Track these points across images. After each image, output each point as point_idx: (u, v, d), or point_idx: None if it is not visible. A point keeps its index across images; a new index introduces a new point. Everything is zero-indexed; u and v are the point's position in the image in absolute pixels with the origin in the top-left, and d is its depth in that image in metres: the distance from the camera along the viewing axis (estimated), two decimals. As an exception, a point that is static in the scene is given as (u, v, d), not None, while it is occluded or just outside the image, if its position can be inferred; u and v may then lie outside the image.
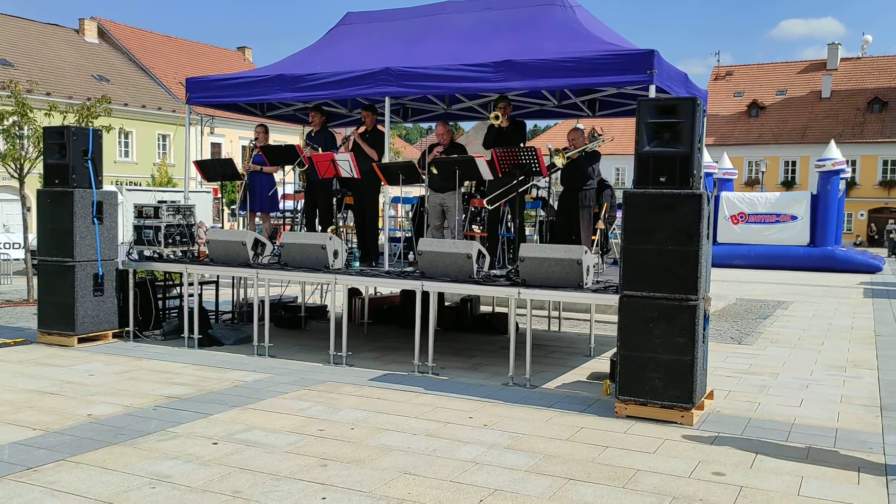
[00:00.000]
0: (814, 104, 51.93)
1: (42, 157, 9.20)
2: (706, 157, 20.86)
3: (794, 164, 50.61)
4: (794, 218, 22.90)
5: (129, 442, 5.23)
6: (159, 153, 38.22)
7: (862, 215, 49.24)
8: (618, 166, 51.73)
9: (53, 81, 33.46)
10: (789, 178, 50.40)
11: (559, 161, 8.29)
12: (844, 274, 21.35)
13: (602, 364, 8.05)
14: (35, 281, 10.46)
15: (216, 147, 41.16)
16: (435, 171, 8.33)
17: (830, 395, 6.97)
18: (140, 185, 29.85)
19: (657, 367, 5.87)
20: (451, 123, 10.44)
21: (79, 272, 8.51)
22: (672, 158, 5.88)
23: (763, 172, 45.47)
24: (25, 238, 13.34)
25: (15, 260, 18.43)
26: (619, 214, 10.37)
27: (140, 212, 9.13)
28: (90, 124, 11.89)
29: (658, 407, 5.90)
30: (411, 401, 6.46)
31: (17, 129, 12.15)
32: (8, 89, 12.41)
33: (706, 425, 5.85)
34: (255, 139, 10.17)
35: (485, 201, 8.24)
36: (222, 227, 12.43)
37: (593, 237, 8.68)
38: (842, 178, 22.87)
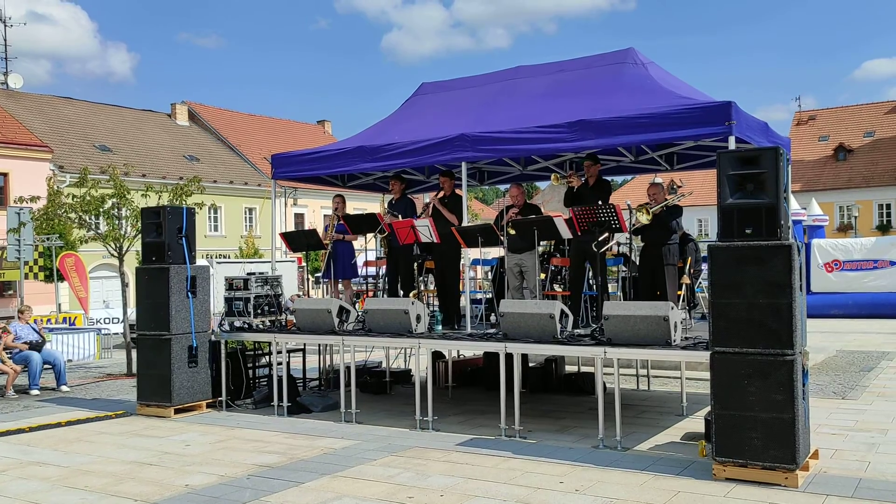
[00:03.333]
0: (905, 144, 49.83)
1: (139, 235, 9.71)
2: (794, 205, 20.23)
3: (888, 207, 48.44)
4: (892, 263, 21.79)
5: (225, 512, 5.33)
6: (246, 226, 39.70)
7: (968, 257, 46.42)
8: (700, 217, 50.64)
9: (148, 163, 35.44)
10: (885, 222, 48.17)
11: (644, 218, 8.19)
12: (953, 320, 20.07)
13: (696, 423, 7.77)
14: (134, 354, 10.92)
15: (299, 217, 42.47)
16: (513, 232, 8.38)
17: (949, 452, 6.52)
18: (229, 257, 31.01)
19: (755, 426, 5.63)
20: (524, 184, 10.51)
21: (174, 345, 8.84)
22: (757, 210, 5.75)
23: (856, 217, 43.63)
24: (125, 313, 13.98)
25: (115, 334, 19.29)
26: (704, 268, 10.15)
27: (230, 284, 9.47)
28: (184, 202, 12.50)
29: (759, 468, 5.63)
30: (500, 465, 6.37)
31: (115, 210, 12.87)
32: (107, 173, 13.22)
33: (813, 487, 5.54)
34: (335, 209, 10.47)
35: (593, 245, 8.13)
36: (307, 296, 12.73)
37: (679, 292, 8.49)
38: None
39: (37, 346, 11.34)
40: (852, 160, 50.67)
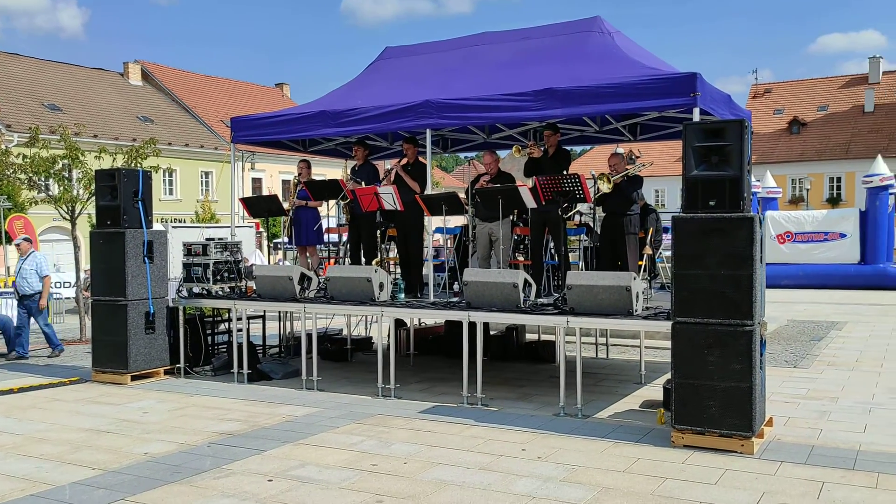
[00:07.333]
0: (857, 119, 50.90)
1: (92, 198, 9.42)
2: (749, 177, 20.47)
3: (839, 180, 49.61)
4: (842, 235, 22.37)
5: (186, 480, 5.27)
6: (202, 190, 38.98)
7: (913, 230, 47.82)
8: (657, 188, 51.27)
9: (100, 124, 34.43)
10: (835, 195, 49.38)
11: (605, 187, 8.22)
12: (898, 292, 20.71)
13: (654, 392, 7.91)
14: (88, 320, 10.67)
15: (257, 182, 41.83)
16: (478, 199, 8.34)
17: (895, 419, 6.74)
18: (184, 221, 30.42)
19: (714, 395, 5.74)
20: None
21: (131, 311, 8.66)
22: (721, 182, 5.81)
23: (808, 190, 44.56)
24: (78, 277, 13.63)
25: (66, 299, 18.84)
26: (664, 238, 10.26)
27: (189, 249, 9.28)
28: (139, 165, 12.17)
29: (717, 436, 5.75)
30: (462, 433, 6.40)
31: (66, 171, 12.47)
32: (57, 133, 12.78)
33: (767, 454, 5.69)
34: (299, 174, 10.29)
35: (559, 211, 8.09)
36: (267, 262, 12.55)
37: (640, 262, 8.58)
38: (891, 194, 22.32)
39: None
40: (805, 133, 51.64)
